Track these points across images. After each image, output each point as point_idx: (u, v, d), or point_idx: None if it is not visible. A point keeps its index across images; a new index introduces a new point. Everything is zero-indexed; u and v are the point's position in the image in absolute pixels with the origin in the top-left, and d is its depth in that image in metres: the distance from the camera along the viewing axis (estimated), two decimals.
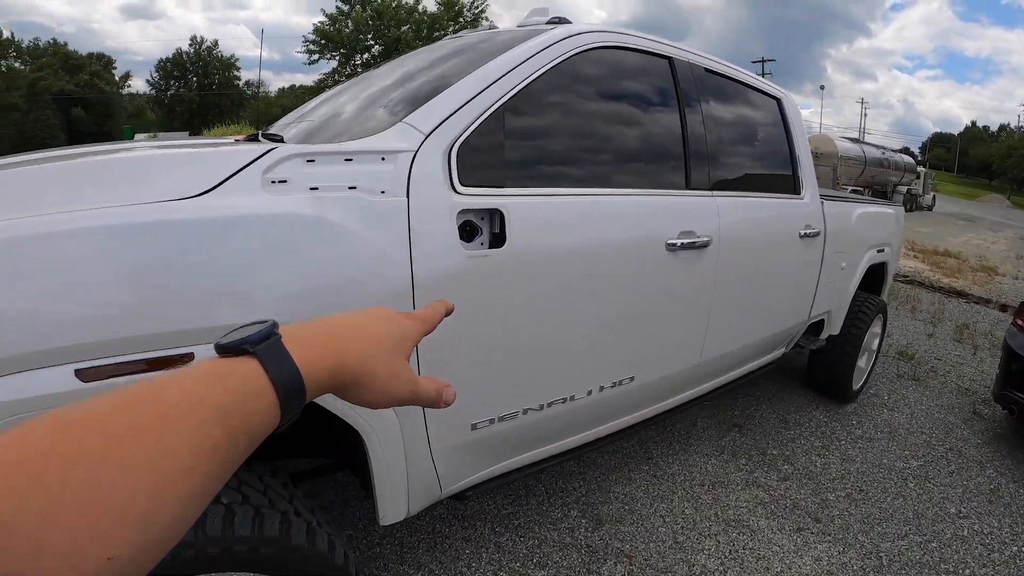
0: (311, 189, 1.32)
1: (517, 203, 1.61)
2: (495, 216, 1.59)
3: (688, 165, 2.20)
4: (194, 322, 1.12)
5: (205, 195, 1.20)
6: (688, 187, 2.20)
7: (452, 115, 1.56)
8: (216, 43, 56.02)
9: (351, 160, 1.42)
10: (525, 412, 1.83)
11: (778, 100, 2.98)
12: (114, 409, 0.33)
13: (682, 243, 2.04)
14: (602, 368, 1.99)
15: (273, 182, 1.27)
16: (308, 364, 0.43)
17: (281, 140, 1.64)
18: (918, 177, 15.70)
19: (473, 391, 1.64)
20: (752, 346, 2.82)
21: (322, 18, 44.62)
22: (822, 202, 3.15)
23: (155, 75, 52.30)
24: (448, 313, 0.64)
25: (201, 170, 1.25)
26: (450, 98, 1.60)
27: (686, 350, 2.32)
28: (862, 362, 4.03)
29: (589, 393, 1.98)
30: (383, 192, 1.42)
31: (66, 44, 47.18)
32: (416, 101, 1.65)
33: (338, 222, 1.32)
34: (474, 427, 1.72)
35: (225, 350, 0.42)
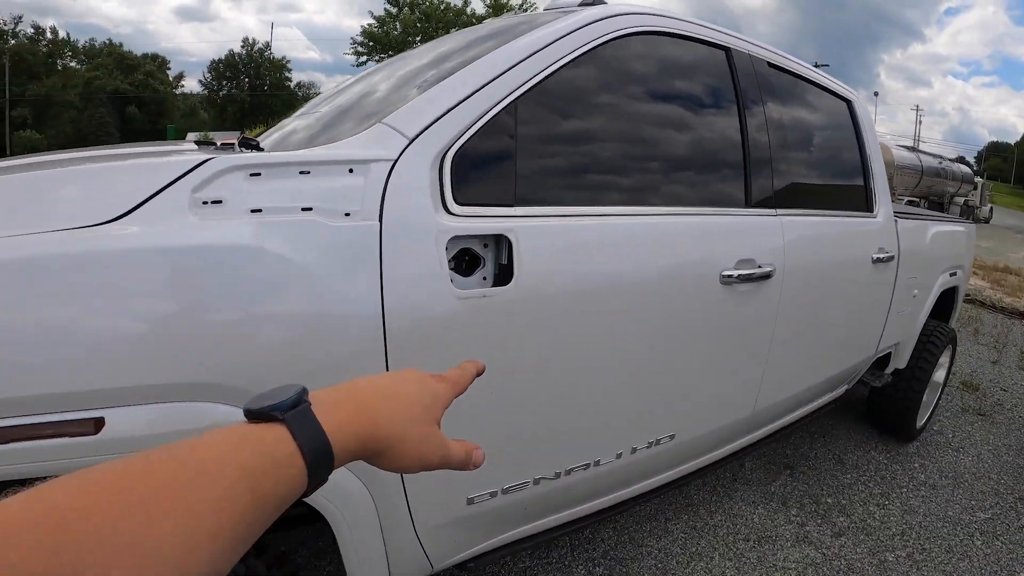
0: (252, 212, 0.99)
1: (529, 227, 1.23)
2: (502, 244, 1.20)
3: (748, 178, 1.77)
4: (91, 382, 0.87)
5: (115, 222, 0.91)
6: (748, 204, 1.78)
7: (446, 114, 1.19)
8: (268, 45, 56.72)
9: (307, 173, 1.07)
10: (537, 482, 1.44)
11: (849, 102, 2.52)
12: (124, 482, 0.34)
13: (740, 275, 1.62)
14: (636, 427, 1.59)
15: (205, 203, 0.96)
16: (337, 432, 0.43)
17: (256, 147, 1.30)
18: (975, 188, 14.71)
19: None
20: (814, 388, 2.37)
21: (371, 20, 44.81)
22: (895, 221, 2.67)
23: (207, 75, 53.30)
24: (480, 373, 0.63)
25: (114, 190, 0.95)
26: (445, 93, 1.23)
27: (739, 400, 1.89)
28: (927, 396, 3.53)
29: (618, 456, 1.58)
30: (348, 215, 1.06)
31: (121, 45, 48.48)
32: (404, 97, 1.27)
33: (284, 256, 0.99)
34: (471, 501, 1.35)
35: (254, 416, 0.42)
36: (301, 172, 1.06)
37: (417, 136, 1.15)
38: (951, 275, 3.51)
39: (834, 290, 2.19)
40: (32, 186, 0.98)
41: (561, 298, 1.27)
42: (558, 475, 1.47)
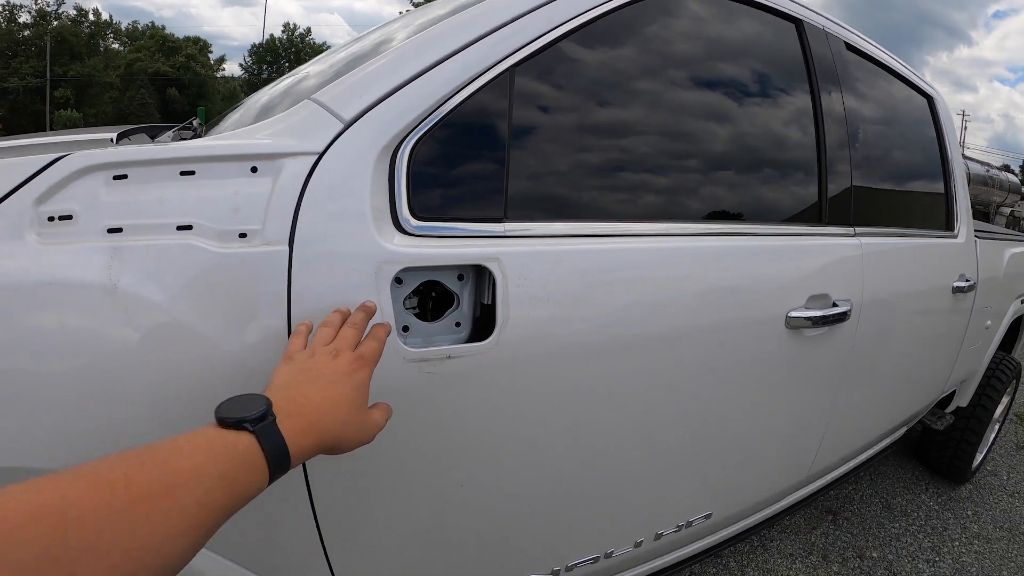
0: (109, 232, 0.65)
1: (524, 254, 0.83)
2: (484, 277, 0.80)
3: (824, 186, 1.34)
4: None
5: None
6: (822, 221, 1.35)
7: (404, 87, 0.79)
8: (309, 30, 55.75)
9: (191, 174, 0.69)
10: None
11: (931, 99, 2.05)
12: (139, 470, 0.41)
13: (812, 316, 1.20)
14: (662, 513, 1.19)
15: (51, 219, 0.64)
16: (294, 443, 0.52)
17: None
18: (1022, 198, 13.80)
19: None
20: (875, 439, 1.94)
21: (410, 7, 44.35)
22: (976, 241, 2.21)
23: (248, 59, 53.12)
24: (387, 334, 0.69)
25: None
26: (406, 57, 0.82)
27: (791, 466, 1.48)
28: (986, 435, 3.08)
29: (638, 544, 1.18)
30: (243, 236, 0.68)
31: (163, 27, 48.43)
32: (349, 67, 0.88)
33: (143, 301, 0.63)
34: None
35: (228, 424, 0.49)
36: (183, 173, 0.69)
37: (357, 119, 0.75)
38: (1022, 302, 3.05)
39: (910, 327, 1.75)
40: None
41: (567, 359, 0.87)
42: (556, 572, 1.08)
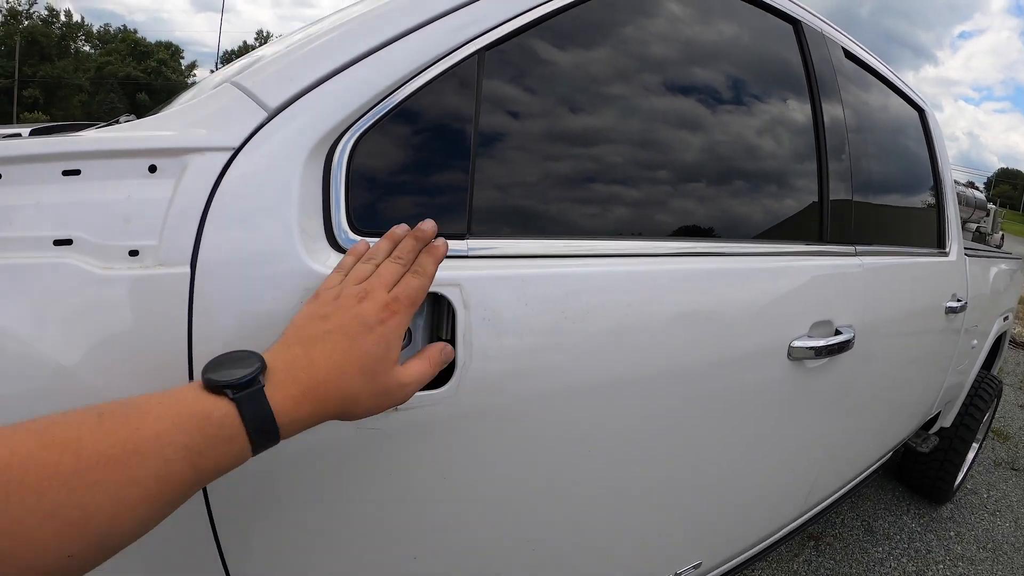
0: None
1: (491, 278, 0.67)
2: (441, 305, 0.65)
3: (825, 202, 1.22)
4: None
5: None
6: (823, 239, 1.23)
7: (346, 69, 0.63)
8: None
9: (76, 173, 0.54)
10: None
11: (922, 112, 1.96)
12: (94, 434, 0.37)
13: (816, 346, 1.06)
14: (648, 564, 1.04)
15: None
16: (285, 413, 0.44)
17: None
18: (987, 214, 14.01)
19: None
20: (868, 465, 1.83)
21: None
22: (965, 259, 2.13)
23: (219, 66, 52.48)
24: (440, 260, 0.57)
25: None
26: (350, 33, 0.67)
27: (786, 505, 1.35)
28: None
29: None
30: (134, 253, 0.53)
31: (135, 31, 47.61)
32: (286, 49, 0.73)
33: (9, 332, 0.48)
34: None
35: (208, 387, 0.42)
36: (65, 172, 0.54)
37: (285, 106, 0.60)
38: (1004, 319, 3.02)
39: (906, 351, 1.64)
40: None
41: (539, 404, 0.72)
42: None
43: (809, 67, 1.25)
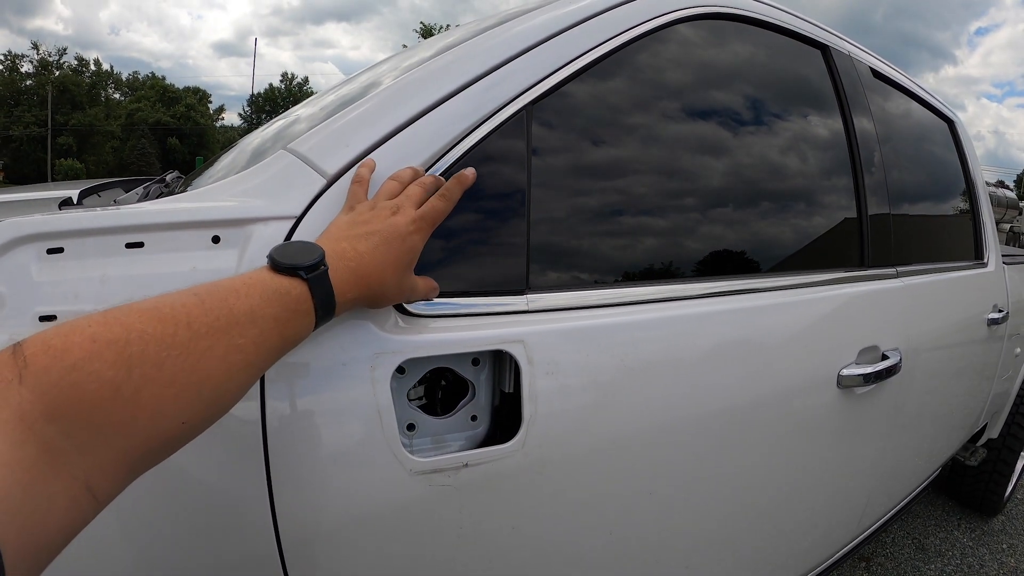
0: (41, 319, 0.52)
1: (554, 333, 0.67)
2: (503, 360, 0.65)
3: (865, 226, 1.20)
4: None
5: None
6: (864, 264, 1.21)
7: (400, 132, 0.65)
8: (306, 79, 55.52)
9: (140, 246, 0.55)
10: None
11: (951, 123, 1.94)
12: (200, 309, 0.42)
13: (864, 374, 1.04)
14: None
15: None
16: (341, 295, 0.51)
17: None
18: (1020, 213, 13.63)
19: None
20: (918, 484, 1.78)
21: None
22: (1004, 268, 2.08)
23: (247, 109, 53.30)
24: (469, 183, 0.65)
25: None
26: (402, 96, 0.68)
27: (839, 529, 1.31)
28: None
29: None
30: None
31: (163, 78, 48.82)
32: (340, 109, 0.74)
33: None
34: None
35: (282, 269, 0.49)
36: (129, 245, 0.55)
37: (343, 172, 0.61)
38: None
39: (950, 366, 1.60)
40: None
41: (604, 455, 0.71)
42: None
43: (841, 92, 1.25)
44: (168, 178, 1.17)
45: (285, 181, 0.62)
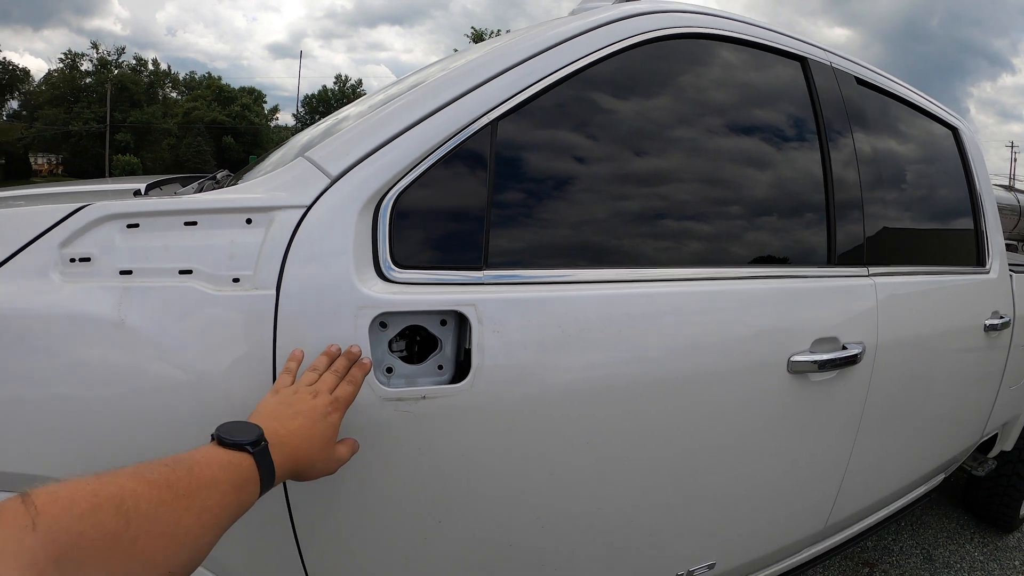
0: (121, 273, 0.74)
1: (500, 301, 0.86)
2: (466, 323, 0.83)
3: (832, 226, 1.33)
4: None
5: None
6: (831, 262, 1.33)
7: (388, 144, 0.85)
8: (360, 82, 56.84)
9: (195, 224, 0.77)
10: None
11: (955, 131, 2.01)
12: (175, 475, 0.51)
13: (817, 360, 1.17)
14: (659, 559, 1.16)
15: (72, 260, 0.74)
16: (277, 466, 0.62)
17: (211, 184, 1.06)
18: None
19: None
20: (905, 488, 1.86)
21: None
22: (1011, 275, 2.13)
23: (301, 109, 54.83)
24: (365, 376, 0.75)
25: None
26: (392, 116, 0.89)
27: (805, 515, 1.43)
28: None
29: None
30: (236, 280, 0.75)
31: (219, 78, 50.82)
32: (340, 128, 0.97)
33: (145, 335, 0.72)
34: None
35: (229, 445, 0.59)
36: (187, 223, 0.77)
37: (343, 175, 0.82)
38: None
39: (937, 369, 1.68)
40: None
41: (546, 404, 0.89)
42: None
43: (815, 101, 1.37)
44: (219, 176, 1.40)
45: (301, 180, 0.83)
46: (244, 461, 0.58)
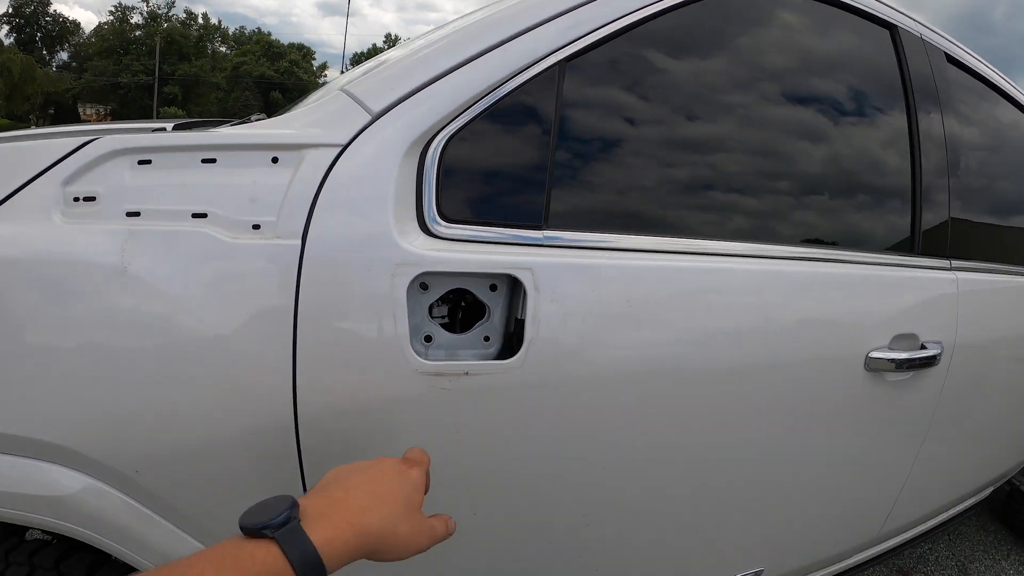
0: (128, 215, 0.65)
1: (560, 266, 0.74)
2: (519, 290, 0.72)
3: (917, 212, 1.19)
4: None
5: None
6: (914, 251, 1.20)
7: (440, 79, 0.73)
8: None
9: (212, 161, 0.67)
10: None
11: None
12: None
13: (895, 359, 1.05)
14: (706, 561, 1.07)
15: (76, 199, 0.65)
16: (327, 543, 0.45)
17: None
18: None
19: None
20: (958, 499, 1.73)
21: None
22: None
23: (349, 67, 54.49)
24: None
25: None
26: (447, 48, 0.76)
27: (860, 522, 1.31)
28: None
29: None
30: (256, 227, 0.65)
31: (269, 34, 50.93)
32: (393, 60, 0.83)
33: (152, 285, 0.63)
34: None
35: (248, 532, 0.44)
36: (204, 160, 0.67)
37: (386, 111, 0.70)
38: None
39: (1009, 375, 1.54)
40: None
41: (602, 385, 0.78)
42: None
43: (906, 75, 1.22)
44: (253, 118, 1.30)
45: (338, 115, 0.71)
46: (260, 551, 0.43)
